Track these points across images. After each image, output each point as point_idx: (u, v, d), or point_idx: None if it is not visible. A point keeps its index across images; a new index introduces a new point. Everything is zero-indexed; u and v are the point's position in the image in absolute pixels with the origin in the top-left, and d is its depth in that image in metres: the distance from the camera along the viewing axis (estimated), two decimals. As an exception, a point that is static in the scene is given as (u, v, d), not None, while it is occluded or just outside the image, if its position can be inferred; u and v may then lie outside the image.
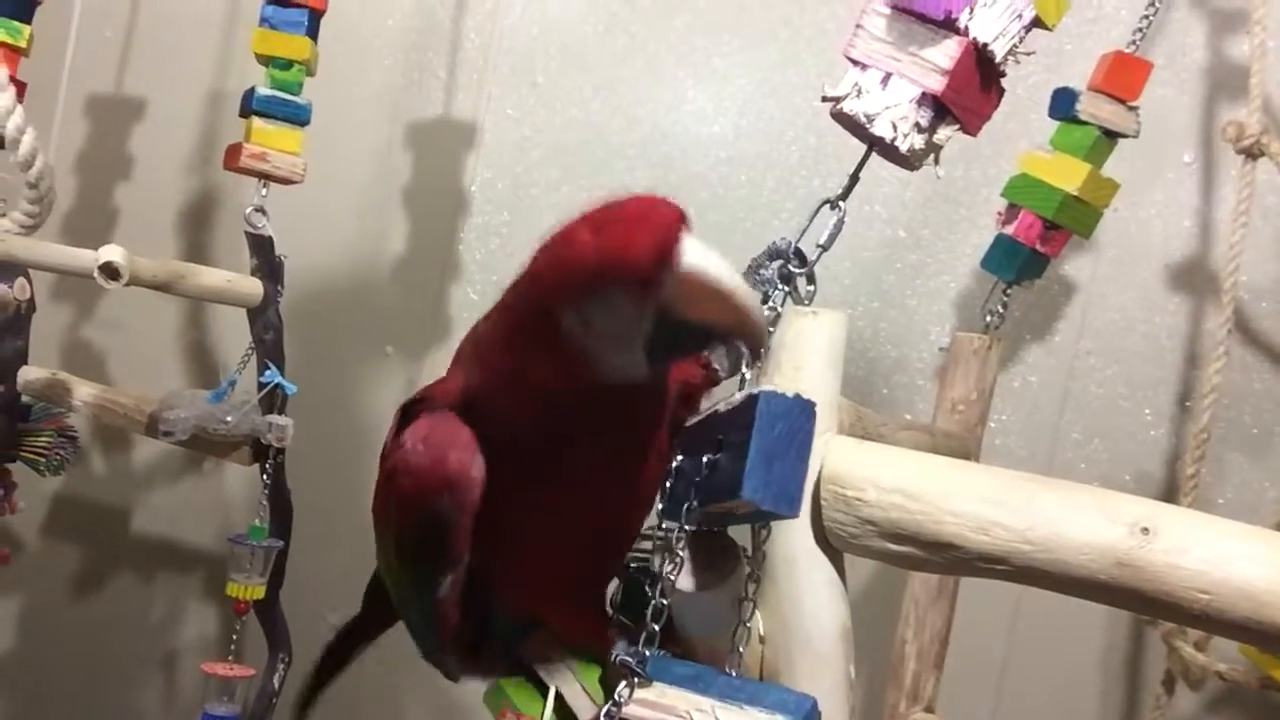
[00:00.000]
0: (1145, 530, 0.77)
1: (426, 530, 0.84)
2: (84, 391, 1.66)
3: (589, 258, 0.74)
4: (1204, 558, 0.75)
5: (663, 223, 0.73)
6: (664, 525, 0.85)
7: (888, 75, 0.90)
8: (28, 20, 1.55)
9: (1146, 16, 1.43)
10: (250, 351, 1.63)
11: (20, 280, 1.66)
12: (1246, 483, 1.57)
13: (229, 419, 1.54)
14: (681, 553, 0.82)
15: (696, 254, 0.73)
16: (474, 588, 0.89)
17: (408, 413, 0.89)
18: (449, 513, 0.82)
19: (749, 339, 0.79)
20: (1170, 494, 1.56)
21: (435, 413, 0.84)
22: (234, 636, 1.64)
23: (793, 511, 0.79)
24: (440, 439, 0.82)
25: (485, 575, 0.89)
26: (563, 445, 0.82)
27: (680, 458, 0.84)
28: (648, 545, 0.95)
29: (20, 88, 1.56)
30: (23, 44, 1.55)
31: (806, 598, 0.87)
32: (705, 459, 0.80)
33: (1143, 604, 0.78)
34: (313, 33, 1.57)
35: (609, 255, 0.73)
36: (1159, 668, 1.49)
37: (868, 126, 0.89)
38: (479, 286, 1.88)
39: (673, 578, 0.82)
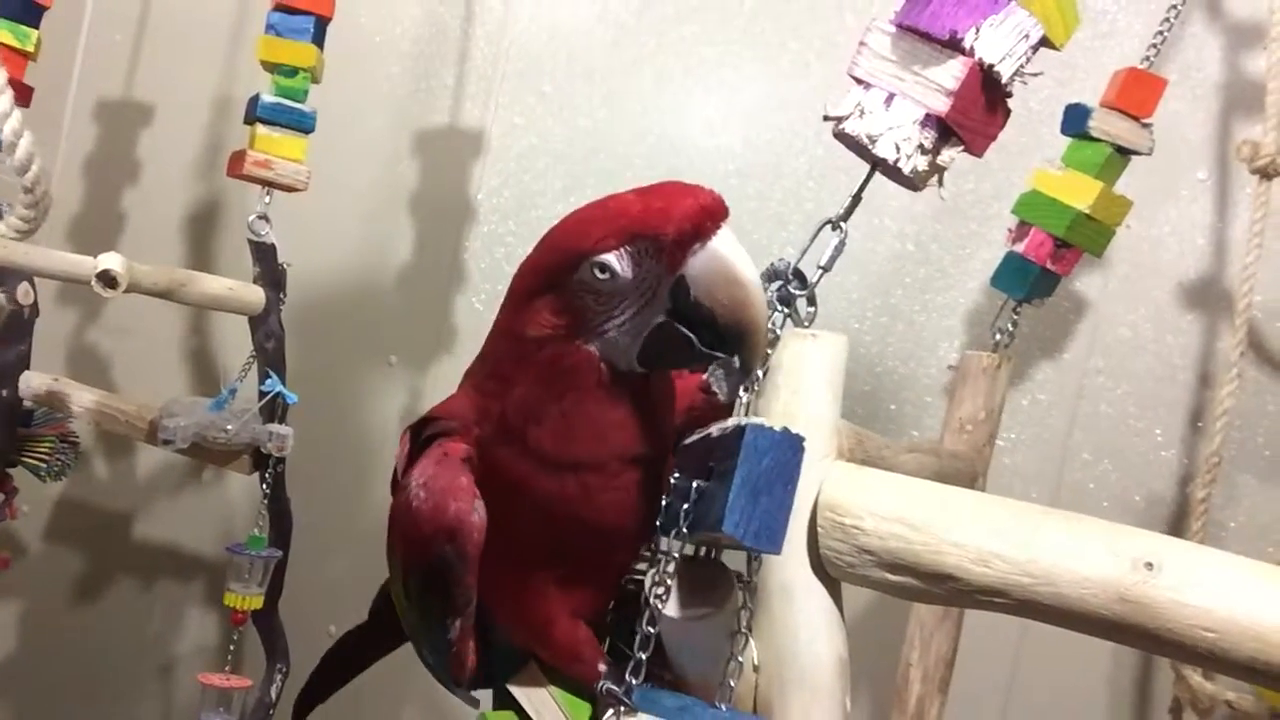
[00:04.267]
0: (1149, 565, 0.75)
1: (431, 576, 0.85)
2: (85, 398, 1.65)
3: (632, 209, 0.80)
4: (1209, 594, 0.73)
5: (709, 201, 0.80)
6: (657, 544, 0.84)
7: (891, 95, 0.88)
8: (35, 25, 1.55)
9: (1161, 32, 1.41)
10: (251, 360, 1.62)
11: (24, 285, 1.66)
12: (1258, 506, 1.54)
13: (229, 427, 1.54)
14: (670, 580, 0.80)
15: (730, 240, 0.80)
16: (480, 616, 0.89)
17: (417, 436, 0.89)
18: (452, 560, 0.82)
19: (748, 344, 0.80)
20: (1181, 516, 1.53)
21: (439, 451, 0.85)
22: (232, 646, 1.63)
23: (774, 549, 0.78)
24: (440, 486, 0.83)
25: (487, 600, 0.88)
26: (560, 441, 0.83)
27: (677, 475, 0.83)
28: (643, 567, 0.93)
29: (28, 92, 1.56)
30: (30, 48, 1.55)
31: (802, 628, 0.85)
32: (695, 484, 0.78)
33: (1146, 641, 0.76)
34: (318, 40, 1.56)
35: (653, 208, 0.80)
36: (1167, 694, 1.47)
37: (870, 147, 0.87)
38: (484, 296, 1.87)
39: (660, 604, 0.80)
